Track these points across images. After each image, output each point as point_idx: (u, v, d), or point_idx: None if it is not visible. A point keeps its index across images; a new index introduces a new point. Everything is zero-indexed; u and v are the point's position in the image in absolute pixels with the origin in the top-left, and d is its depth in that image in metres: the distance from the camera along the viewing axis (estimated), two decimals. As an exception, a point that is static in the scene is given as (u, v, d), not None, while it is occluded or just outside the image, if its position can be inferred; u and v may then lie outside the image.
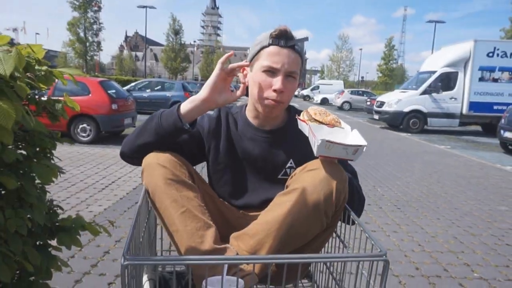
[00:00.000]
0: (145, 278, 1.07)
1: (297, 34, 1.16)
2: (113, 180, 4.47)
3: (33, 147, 0.92)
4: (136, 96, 11.22)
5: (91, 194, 3.86)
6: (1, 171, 0.80)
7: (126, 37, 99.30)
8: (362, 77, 72.44)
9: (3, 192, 0.84)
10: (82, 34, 33.32)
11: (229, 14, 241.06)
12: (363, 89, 31.48)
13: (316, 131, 1.00)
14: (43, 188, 0.97)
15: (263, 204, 1.09)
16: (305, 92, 35.09)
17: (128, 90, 11.76)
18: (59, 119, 0.99)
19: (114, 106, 7.13)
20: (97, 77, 13.27)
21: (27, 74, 0.85)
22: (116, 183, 4.32)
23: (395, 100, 12.41)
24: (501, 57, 11.78)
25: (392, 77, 51.15)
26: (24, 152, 0.89)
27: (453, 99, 12.03)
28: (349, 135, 1.05)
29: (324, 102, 28.68)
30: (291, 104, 1.33)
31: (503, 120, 8.46)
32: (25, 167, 0.87)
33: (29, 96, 0.91)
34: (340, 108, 24.13)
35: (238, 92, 1.15)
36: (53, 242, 0.98)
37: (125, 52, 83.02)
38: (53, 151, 0.98)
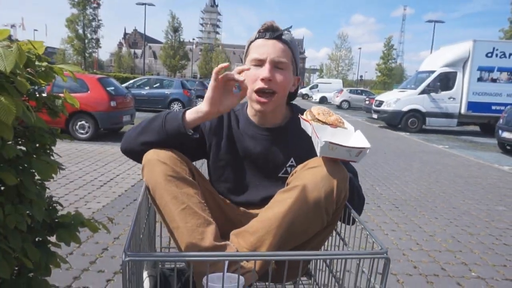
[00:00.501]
0: (145, 274, 1.07)
1: (295, 33, 1.16)
2: (112, 177, 4.46)
3: (33, 143, 0.91)
4: (134, 93, 11.20)
5: (89, 191, 3.85)
6: (1, 167, 0.79)
7: (125, 34, 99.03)
8: (361, 76, 72.50)
9: (2, 188, 0.84)
10: (80, 31, 33.19)
11: (228, 12, 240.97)
12: (362, 88, 31.52)
13: (319, 131, 1.00)
14: (42, 184, 0.96)
15: (264, 201, 1.08)
16: (304, 90, 35.08)
17: (126, 88, 11.72)
18: (59, 115, 0.98)
19: (112, 103, 7.12)
20: (95, 74, 13.23)
21: (28, 69, 0.84)
22: (114, 180, 4.31)
23: (394, 99, 12.44)
24: (500, 57, 11.81)
25: (391, 76, 51.17)
26: (23, 148, 0.89)
27: (452, 99, 12.05)
28: (352, 136, 1.05)
29: (323, 100, 28.69)
30: (294, 102, 1.33)
31: (501, 120, 8.48)
32: (25, 163, 0.87)
33: (29, 92, 0.90)
34: (339, 107, 24.16)
35: (239, 94, 1.12)
36: (52, 239, 0.98)
37: (124, 49, 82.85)
38: (52, 148, 0.98)
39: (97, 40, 34.84)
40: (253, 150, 1.23)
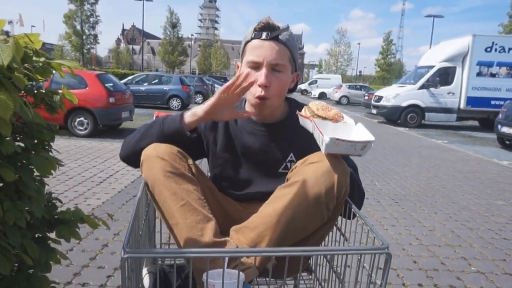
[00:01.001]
0: (144, 271, 1.07)
1: (294, 28, 1.13)
2: (111, 173, 4.45)
3: (31, 139, 0.90)
4: (133, 89, 11.16)
5: (89, 187, 3.85)
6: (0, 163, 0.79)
7: (123, 30, 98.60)
8: (360, 72, 72.35)
9: (1, 184, 0.83)
10: (78, 27, 33.08)
11: (227, 7, 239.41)
12: (361, 84, 31.53)
13: (322, 127, 0.98)
14: (41, 180, 0.96)
15: (264, 197, 1.08)
16: (303, 86, 35.01)
17: (125, 84, 11.69)
18: (58, 111, 0.98)
19: (111, 100, 7.10)
20: (94, 70, 13.18)
21: (25, 65, 0.83)
22: (114, 177, 4.30)
23: (393, 94, 12.42)
24: (499, 52, 11.78)
25: (390, 71, 51.12)
26: (22, 144, 0.88)
27: (451, 94, 12.04)
28: (353, 129, 1.03)
29: (322, 96, 28.66)
30: (292, 97, 1.32)
31: (500, 115, 8.49)
32: (23, 159, 0.86)
33: (27, 88, 0.90)
34: (338, 102, 24.13)
35: (238, 113, 1.14)
36: (52, 235, 0.97)
37: (122, 45, 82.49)
38: (51, 144, 0.97)
39: (95, 36, 34.74)
40: (253, 146, 1.22)
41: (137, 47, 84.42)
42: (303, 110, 1.10)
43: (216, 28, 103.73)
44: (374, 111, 13.32)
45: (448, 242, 2.95)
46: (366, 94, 17.45)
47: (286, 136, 1.23)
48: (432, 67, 12.24)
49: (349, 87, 25.29)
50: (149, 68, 68.03)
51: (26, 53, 0.83)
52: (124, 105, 7.63)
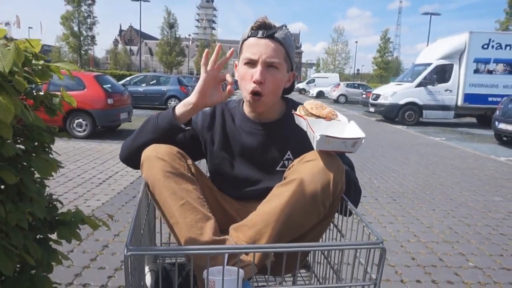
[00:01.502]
0: (146, 269, 1.09)
1: (292, 27, 1.15)
2: (110, 174, 4.46)
3: (31, 142, 0.92)
4: (131, 90, 11.16)
5: (88, 189, 3.86)
6: (1, 165, 0.80)
7: (121, 31, 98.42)
8: (358, 70, 72.49)
9: (2, 186, 0.84)
10: (76, 28, 33.01)
11: (224, 7, 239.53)
12: (358, 82, 31.49)
13: (314, 125, 1.01)
14: (42, 182, 0.97)
15: (262, 195, 1.10)
16: (301, 85, 35.02)
17: (123, 85, 11.68)
18: (57, 113, 0.99)
19: (110, 101, 7.10)
20: (92, 71, 13.16)
21: (25, 68, 0.85)
22: (113, 178, 4.31)
23: (391, 92, 12.45)
24: (496, 48, 11.82)
25: (388, 69, 51.17)
26: (23, 147, 0.89)
27: (448, 91, 12.07)
28: (347, 127, 1.06)
29: (320, 95, 28.67)
30: (289, 97, 1.34)
31: (497, 112, 8.52)
32: (24, 162, 0.88)
33: (27, 91, 0.91)
34: (336, 101, 24.15)
35: (226, 93, 1.17)
36: (53, 236, 0.99)
37: (120, 46, 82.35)
38: (51, 146, 0.98)
39: (93, 37, 34.67)
40: (251, 145, 1.24)
41: (134, 48, 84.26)
42: (298, 109, 1.12)
43: (213, 28, 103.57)
44: (372, 109, 13.34)
45: (446, 238, 2.98)
46: (364, 93, 17.46)
47: (283, 135, 1.25)
48: (429, 64, 12.27)
49: (347, 85, 25.30)
50: (147, 69, 67.93)
51: (26, 56, 0.85)
52: (123, 106, 7.63)
